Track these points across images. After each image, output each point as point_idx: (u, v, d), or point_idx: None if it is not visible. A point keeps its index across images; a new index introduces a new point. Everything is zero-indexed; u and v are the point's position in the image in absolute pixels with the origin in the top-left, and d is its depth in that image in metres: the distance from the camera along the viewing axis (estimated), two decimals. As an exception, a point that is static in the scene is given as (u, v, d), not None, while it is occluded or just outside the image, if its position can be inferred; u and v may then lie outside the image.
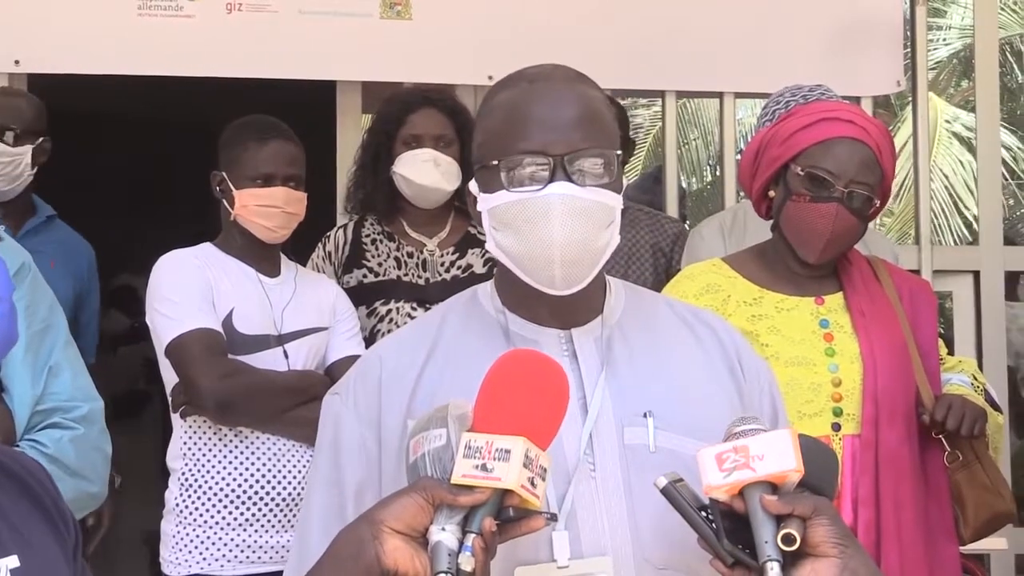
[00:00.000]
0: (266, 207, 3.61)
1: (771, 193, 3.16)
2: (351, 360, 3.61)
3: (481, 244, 3.98)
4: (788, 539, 1.67)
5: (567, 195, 1.85)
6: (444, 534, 1.65)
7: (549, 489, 1.82)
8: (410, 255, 3.99)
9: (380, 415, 1.92)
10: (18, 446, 2.41)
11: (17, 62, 4.65)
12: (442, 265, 3.99)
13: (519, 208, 1.87)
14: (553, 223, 1.85)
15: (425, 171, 3.93)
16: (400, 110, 4.02)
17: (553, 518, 1.72)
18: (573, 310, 1.95)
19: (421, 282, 3.96)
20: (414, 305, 3.90)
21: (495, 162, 1.89)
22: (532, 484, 1.66)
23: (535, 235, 1.86)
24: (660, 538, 1.84)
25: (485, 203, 1.92)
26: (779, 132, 3.16)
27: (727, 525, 1.71)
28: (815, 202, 3.05)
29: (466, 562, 1.63)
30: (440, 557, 1.64)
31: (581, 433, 1.89)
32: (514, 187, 1.87)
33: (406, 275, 3.95)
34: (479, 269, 3.99)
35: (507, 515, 1.68)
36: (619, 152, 1.92)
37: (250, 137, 3.65)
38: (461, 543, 1.64)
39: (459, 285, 3.91)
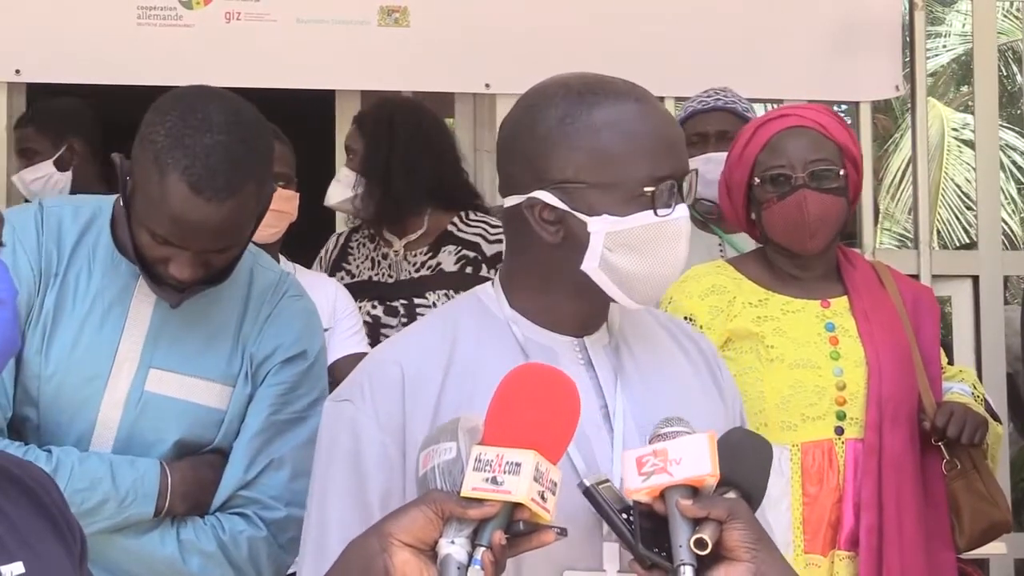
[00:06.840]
0: None
1: (754, 216, 3.18)
2: (354, 358, 3.63)
3: (457, 242, 4.03)
4: (700, 543, 1.69)
5: (688, 217, 1.93)
6: (453, 547, 1.64)
7: None
8: (384, 256, 4.03)
9: (404, 422, 1.88)
10: (203, 516, 2.38)
11: (18, 71, 4.66)
12: (412, 264, 4.01)
13: (655, 231, 1.89)
14: (681, 245, 1.92)
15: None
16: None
17: (563, 532, 1.71)
18: (589, 318, 1.97)
19: (390, 281, 3.99)
20: (375, 303, 3.93)
21: (649, 189, 1.88)
22: (542, 498, 1.66)
23: (667, 257, 1.91)
24: None
25: (604, 224, 1.89)
26: (731, 158, 3.20)
27: (650, 526, 1.73)
28: (783, 198, 3.07)
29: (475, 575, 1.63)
30: (449, 570, 1.63)
31: (613, 441, 1.90)
32: (660, 210, 1.89)
33: (377, 275, 3.98)
34: (448, 267, 4.00)
35: (517, 529, 1.67)
36: None
37: None
38: (471, 556, 1.64)
39: (425, 283, 3.97)
